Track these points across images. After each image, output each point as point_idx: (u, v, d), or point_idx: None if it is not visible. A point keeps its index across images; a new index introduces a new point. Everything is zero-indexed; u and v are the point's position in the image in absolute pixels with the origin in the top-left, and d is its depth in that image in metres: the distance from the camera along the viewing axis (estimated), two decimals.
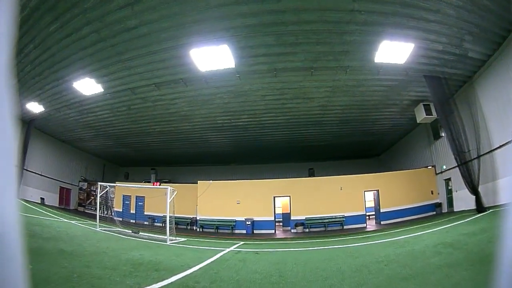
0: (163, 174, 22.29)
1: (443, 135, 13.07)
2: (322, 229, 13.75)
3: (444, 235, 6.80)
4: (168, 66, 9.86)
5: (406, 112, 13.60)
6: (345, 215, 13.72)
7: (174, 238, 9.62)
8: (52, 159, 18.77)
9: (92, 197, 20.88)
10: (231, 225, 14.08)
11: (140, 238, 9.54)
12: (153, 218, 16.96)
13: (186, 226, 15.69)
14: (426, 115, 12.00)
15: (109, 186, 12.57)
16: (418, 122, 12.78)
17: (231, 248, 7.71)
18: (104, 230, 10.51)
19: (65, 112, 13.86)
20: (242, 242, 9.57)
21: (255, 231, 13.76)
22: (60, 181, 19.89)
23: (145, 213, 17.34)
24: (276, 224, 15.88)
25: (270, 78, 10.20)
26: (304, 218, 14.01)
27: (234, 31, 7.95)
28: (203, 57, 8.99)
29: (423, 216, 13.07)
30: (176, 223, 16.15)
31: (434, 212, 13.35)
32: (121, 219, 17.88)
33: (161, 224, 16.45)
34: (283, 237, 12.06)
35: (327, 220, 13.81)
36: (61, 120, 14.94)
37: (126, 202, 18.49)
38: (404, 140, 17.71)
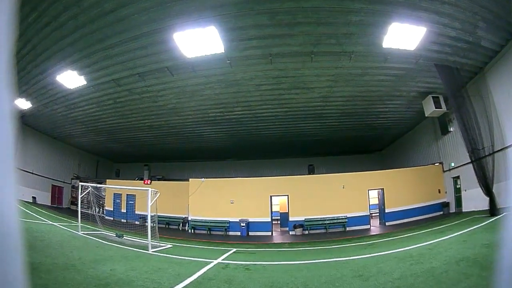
0: (157, 171, 21.38)
1: (451, 130, 12.19)
2: (323, 231, 12.78)
3: (463, 246, 5.84)
4: (151, 53, 8.84)
5: (412, 105, 12.65)
6: (348, 215, 12.75)
7: (158, 244, 8.65)
8: (43, 156, 18.13)
9: (85, 196, 20.26)
10: (224, 226, 13.14)
11: (122, 244, 8.61)
12: (144, 218, 16.05)
13: (178, 227, 14.81)
14: (435, 107, 11.10)
15: (91, 186, 11.58)
16: (426, 115, 11.85)
17: (219, 260, 6.76)
18: (86, 234, 9.61)
19: (53, 107, 13.18)
20: (233, 250, 8.62)
21: (250, 233, 12.83)
22: (52, 179, 19.19)
23: (136, 212, 16.44)
24: (274, 223, 15.00)
25: (265, 64, 9.07)
26: (303, 219, 13.05)
27: (222, 10, 6.85)
28: (189, 41, 7.92)
29: (430, 217, 12.20)
30: (168, 223, 15.34)
31: (441, 212, 12.51)
32: (112, 218, 17.23)
33: (151, 224, 15.65)
34: (280, 241, 11.09)
35: (328, 222, 12.80)
36: (49, 116, 14.27)
37: (117, 200, 17.60)
38: (408, 135, 16.68)
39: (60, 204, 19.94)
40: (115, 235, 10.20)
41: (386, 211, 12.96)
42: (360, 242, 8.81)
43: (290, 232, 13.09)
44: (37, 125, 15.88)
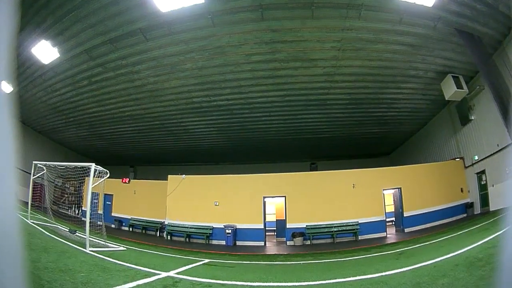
0: (145, 174, 19.30)
1: (473, 118, 10.35)
2: (329, 240, 10.17)
3: None
4: (122, 10, 7.30)
5: (429, 91, 10.76)
6: (360, 221, 10.11)
7: (105, 243, 6.45)
8: (26, 151, 16.63)
9: (66, 195, 18.51)
10: (206, 233, 10.60)
11: (66, 238, 6.57)
12: (120, 221, 13.74)
13: (155, 233, 12.34)
14: (457, 88, 9.41)
15: (46, 166, 9.49)
16: (447, 98, 9.99)
17: (173, 273, 4.49)
18: (35, 222, 7.88)
19: (32, 91, 11.91)
20: (205, 261, 6.18)
21: (238, 243, 10.23)
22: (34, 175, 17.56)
23: (112, 214, 14.15)
24: (269, 234, 12.32)
25: (255, 23, 7.25)
26: (304, 226, 10.42)
27: None
28: None
29: (453, 220, 10.01)
30: (144, 228, 12.90)
31: (465, 214, 10.38)
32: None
33: (127, 228, 13.27)
34: (274, 253, 8.51)
35: (335, 229, 10.21)
36: (30, 103, 12.91)
37: (94, 200, 15.36)
38: (420, 134, 14.52)
39: (42, 202, 18.26)
40: (67, 230, 8.28)
41: (404, 215, 10.53)
42: (382, 252, 6.34)
43: (287, 242, 10.39)
44: (20, 115, 14.43)
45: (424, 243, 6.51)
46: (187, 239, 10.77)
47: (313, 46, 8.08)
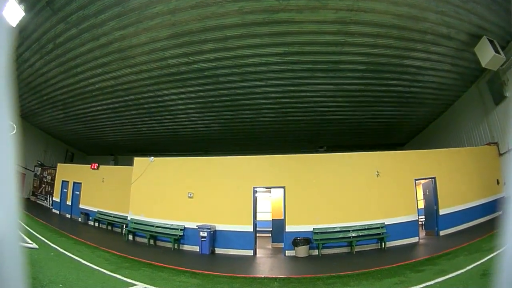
0: (127, 164, 16.87)
1: (507, 95, 8.22)
2: (345, 249, 7.25)
3: None
4: None
5: (459, 60, 8.51)
6: (387, 222, 7.19)
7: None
8: None
9: (44, 185, 16.40)
10: (175, 235, 7.62)
11: None
12: (87, 214, 11.18)
13: (121, 230, 9.62)
14: (495, 52, 7.40)
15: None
16: (484, 65, 7.90)
17: None
18: None
19: None
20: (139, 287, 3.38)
21: (217, 250, 7.25)
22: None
23: (80, 205, 11.64)
24: (264, 235, 9.25)
25: None
26: (310, 229, 7.25)
27: None
28: None
29: (490, 219, 7.46)
30: (111, 224, 10.21)
31: (500, 212, 7.72)
32: (58, 212, 12.76)
33: (92, 223, 10.69)
34: (266, 274, 5.46)
35: (354, 233, 7.24)
36: None
37: (64, 190, 13.03)
38: (443, 119, 11.77)
39: (21, 193, 16.32)
40: None
41: (440, 214, 7.79)
42: (445, 272, 3.70)
43: (286, 252, 7.25)
44: None
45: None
46: (152, 241, 7.88)
47: None
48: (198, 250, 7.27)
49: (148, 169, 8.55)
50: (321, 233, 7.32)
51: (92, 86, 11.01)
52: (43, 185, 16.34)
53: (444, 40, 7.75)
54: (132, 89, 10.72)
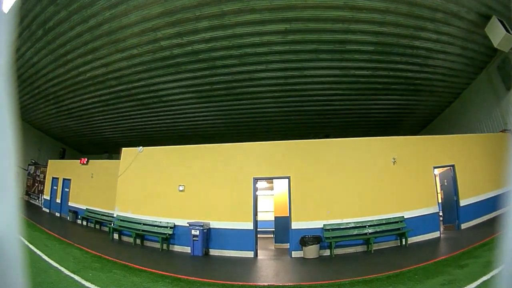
0: None
1: None
2: (361, 248, 6.27)
3: None
4: None
5: (469, 42, 7.88)
6: (406, 216, 6.29)
7: None
8: None
9: (37, 184, 15.67)
10: (164, 234, 6.58)
11: None
12: (76, 212, 10.24)
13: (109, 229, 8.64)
14: (506, 31, 6.88)
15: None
16: (495, 46, 7.33)
17: None
18: None
19: None
20: None
21: (212, 251, 6.20)
22: None
23: (69, 203, 10.72)
24: (267, 236, 8.16)
25: None
26: (321, 225, 6.21)
27: None
28: None
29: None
30: (99, 223, 9.21)
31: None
32: (48, 210, 11.87)
33: (80, 221, 9.73)
34: (269, 281, 4.36)
35: (371, 229, 6.20)
36: None
37: (54, 187, 12.17)
38: (452, 108, 11.00)
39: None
40: None
41: (460, 205, 6.91)
42: None
43: (292, 253, 6.16)
44: None
45: None
46: (138, 240, 6.85)
47: None
48: (189, 251, 6.23)
49: (136, 160, 7.60)
50: (333, 229, 6.26)
51: (83, 75, 10.34)
52: (36, 184, 15.66)
53: (454, 19, 7.14)
54: (123, 77, 9.99)
